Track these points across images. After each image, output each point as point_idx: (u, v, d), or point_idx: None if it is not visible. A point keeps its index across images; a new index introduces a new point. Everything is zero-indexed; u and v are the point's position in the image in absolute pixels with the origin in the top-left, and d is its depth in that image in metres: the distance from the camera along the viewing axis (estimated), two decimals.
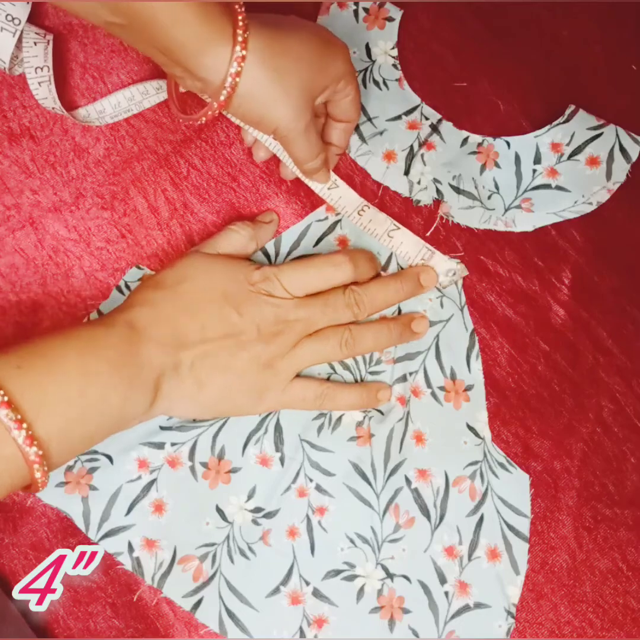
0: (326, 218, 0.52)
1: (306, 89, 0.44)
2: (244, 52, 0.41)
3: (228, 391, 0.46)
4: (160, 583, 0.46)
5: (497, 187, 0.53)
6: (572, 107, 0.54)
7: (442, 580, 0.48)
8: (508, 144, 0.54)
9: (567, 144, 0.54)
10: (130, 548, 0.46)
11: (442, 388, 0.50)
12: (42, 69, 0.49)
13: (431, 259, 0.51)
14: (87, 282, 0.50)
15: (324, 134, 0.51)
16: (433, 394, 0.50)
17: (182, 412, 0.46)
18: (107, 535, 0.46)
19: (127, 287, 0.50)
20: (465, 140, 0.54)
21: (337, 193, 0.51)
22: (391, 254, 0.52)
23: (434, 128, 0.54)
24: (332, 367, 0.50)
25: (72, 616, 0.47)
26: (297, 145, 0.46)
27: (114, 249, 0.51)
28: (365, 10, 0.55)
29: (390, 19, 0.55)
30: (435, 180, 0.53)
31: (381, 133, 0.53)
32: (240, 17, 0.41)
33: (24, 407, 0.36)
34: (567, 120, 0.54)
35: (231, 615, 0.46)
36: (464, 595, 0.48)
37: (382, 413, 0.49)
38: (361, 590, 0.47)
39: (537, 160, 0.54)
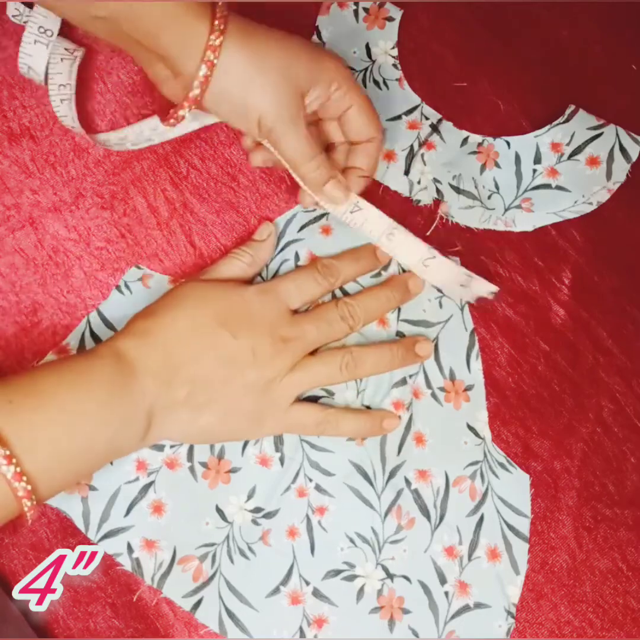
0: (314, 209, 0.52)
1: (291, 78, 0.43)
2: (223, 27, 0.41)
3: (225, 419, 0.45)
4: (160, 583, 0.46)
5: (497, 187, 0.53)
6: (572, 107, 0.54)
7: (442, 580, 0.48)
8: (508, 143, 0.54)
9: (567, 144, 0.54)
10: (130, 549, 0.46)
11: (442, 388, 0.50)
12: (65, 86, 0.48)
13: (470, 284, 0.50)
14: (87, 282, 0.50)
15: (348, 160, 0.49)
16: (433, 395, 0.50)
17: (178, 439, 0.46)
18: (106, 536, 0.46)
19: (127, 287, 0.50)
20: (465, 140, 0.54)
21: (361, 216, 0.49)
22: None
23: (434, 128, 0.54)
24: None
25: (72, 616, 0.47)
26: (285, 138, 0.44)
27: (113, 249, 0.51)
28: (365, 10, 0.55)
29: (390, 19, 0.55)
30: (436, 180, 0.53)
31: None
32: (219, 6, 0.41)
33: (14, 442, 0.37)
34: (567, 120, 0.54)
35: (231, 615, 0.46)
36: (464, 595, 0.48)
37: None
38: (361, 591, 0.47)
39: (537, 160, 0.54)
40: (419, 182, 0.53)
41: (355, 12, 0.55)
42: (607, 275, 0.53)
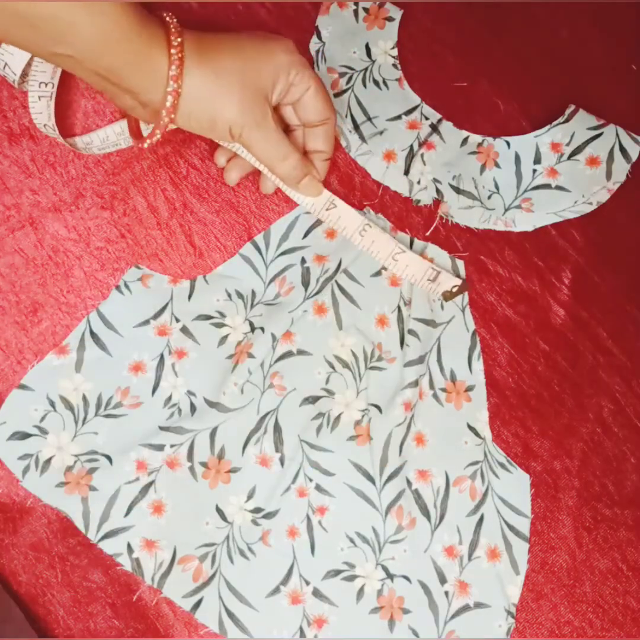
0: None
1: (250, 84, 0.44)
2: (180, 55, 0.42)
3: None
4: (160, 583, 0.46)
5: (497, 187, 0.53)
6: (572, 107, 0.54)
7: (442, 580, 0.48)
8: (508, 144, 0.54)
9: (567, 144, 0.54)
10: (130, 549, 0.46)
11: (443, 389, 0.50)
12: (46, 84, 0.48)
13: (437, 279, 0.50)
14: (87, 282, 0.50)
15: (306, 143, 0.50)
16: (434, 395, 0.50)
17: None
18: (106, 536, 0.46)
19: (127, 287, 0.50)
20: (465, 140, 0.54)
21: (336, 213, 0.50)
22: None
23: (434, 128, 0.54)
24: (332, 366, 0.50)
25: (72, 616, 0.47)
26: (256, 143, 0.46)
27: (113, 248, 0.51)
28: (365, 10, 0.55)
29: (390, 19, 0.55)
30: (435, 180, 0.53)
31: (381, 133, 0.53)
32: (172, 27, 0.42)
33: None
34: (567, 120, 0.54)
35: (231, 615, 0.46)
36: (464, 595, 0.48)
37: (380, 411, 0.49)
38: (361, 591, 0.47)
39: (537, 160, 0.54)
40: (418, 182, 0.53)
41: (355, 12, 0.55)
42: (607, 275, 0.53)
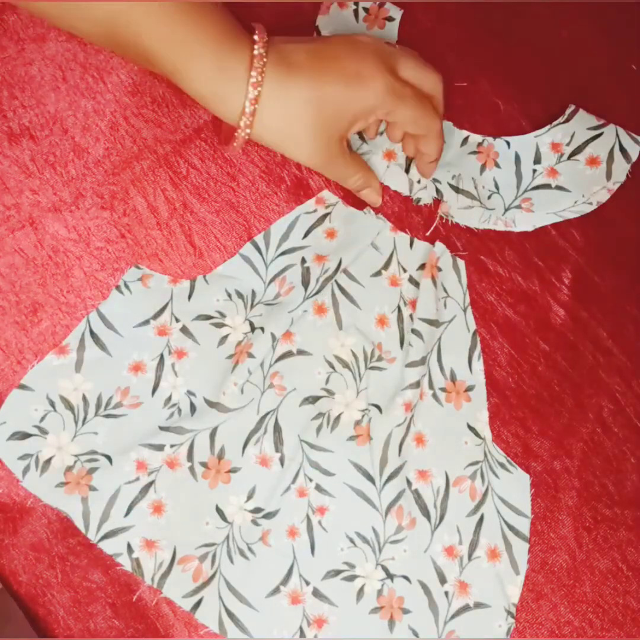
0: (315, 210, 0.52)
1: (324, 130, 0.45)
2: (253, 108, 0.43)
3: None
4: (160, 583, 0.46)
5: (497, 187, 0.53)
6: (572, 107, 0.54)
7: (442, 580, 0.48)
8: (508, 144, 0.54)
9: (567, 144, 0.54)
10: (130, 549, 0.46)
11: (443, 389, 0.50)
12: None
13: None
14: (87, 282, 0.50)
15: (417, 145, 0.50)
16: (434, 395, 0.50)
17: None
18: (106, 536, 0.46)
19: (127, 287, 0.50)
20: (465, 140, 0.54)
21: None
22: (392, 252, 0.52)
23: None
24: (332, 366, 0.50)
25: (72, 616, 0.47)
26: (325, 172, 0.49)
27: (113, 249, 0.51)
28: (365, 10, 0.55)
29: (391, 19, 0.55)
30: (435, 180, 0.53)
31: (381, 133, 0.53)
32: (255, 64, 0.43)
33: None
34: (567, 120, 0.54)
35: (231, 615, 0.46)
36: (464, 595, 0.48)
37: (380, 410, 0.49)
38: (361, 591, 0.47)
39: (537, 160, 0.54)
40: (419, 181, 0.53)
41: (355, 12, 0.55)
42: (607, 275, 0.53)
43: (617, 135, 0.53)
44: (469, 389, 0.51)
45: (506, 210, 0.53)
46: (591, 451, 0.51)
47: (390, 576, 0.48)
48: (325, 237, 0.52)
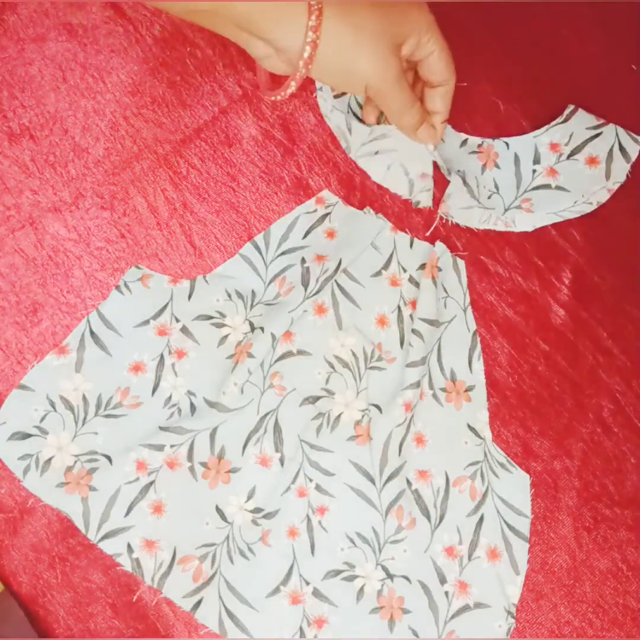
0: (315, 210, 0.52)
1: (388, 37, 0.45)
2: (320, 6, 0.43)
3: None
4: (160, 583, 0.46)
5: (497, 187, 0.53)
6: (572, 107, 0.54)
7: (442, 580, 0.48)
8: (507, 144, 0.54)
9: (566, 144, 0.54)
10: (130, 549, 0.46)
11: (443, 389, 0.50)
12: None
13: None
14: (87, 282, 0.50)
15: (425, 102, 0.50)
16: (434, 396, 0.50)
17: None
18: (106, 536, 0.46)
19: (127, 287, 0.50)
20: (464, 141, 0.54)
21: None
22: (392, 252, 0.52)
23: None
24: (332, 366, 0.50)
25: (72, 616, 0.47)
26: (388, 95, 0.47)
27: (113, 249, 0.51)
28: None
29: None
30: (444, 163, 0.52)
31: (382, 136, 0.53)
32: None
33: None
34: (565, 120, 0.54)
35: (231, 615, 0.46)
36: (464, 595, 0.48)
37: (380, 410, 0.49)
38: (361, 591, 0.47)
39: (537, 160, 0.54)
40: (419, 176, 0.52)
41: None
42: (607, 275, 0.53)
43: (617, 134, 0.53)
44: (469, 389, 0.51)
45: (506, 210, 0.53)
46: (591, 451, 0.51)
47: (390, 576, 0.48)
48: (325, 237, 0.52)
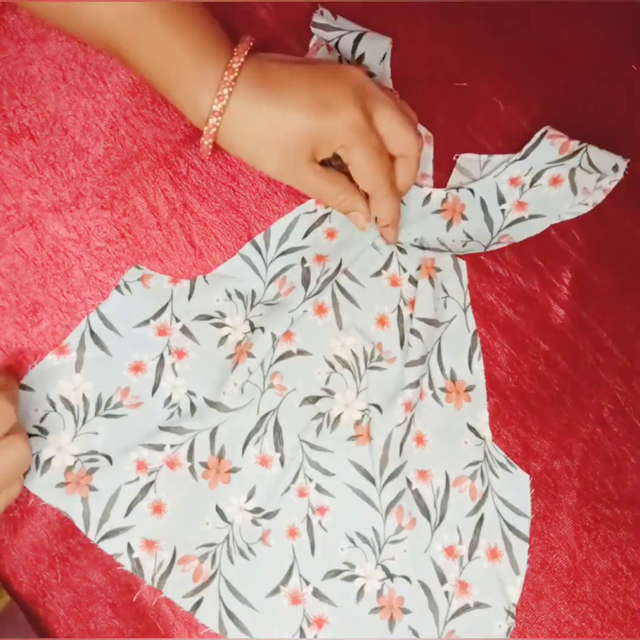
0: (315, 210, 0.52)
1: (288, 153, 0.44)
2: (217, 119, 0.43)
3: None
4: (160, 583, 0.46)
5: (469, 237, 0.53)
6: (544, 129, 0.53)
7: (442, 580, 0.48)
8: (472, 191, 0.53)
9: (526, 175, 0.53)
10: (130, 549, 0.46)
11: (443, 389, 0.50)
12: None
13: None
14: (87, 282, 0.50)
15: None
16: (434, 396, 0.50)
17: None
18: (106, 536, 0.46)
19: (127, 287, 0.50)
20: (427, 198, 0.53)
21: None
22: (392, 253, 0.52)
23: None
24: (332, 366, 0.50)
25: (72, 616, 0.47)
26: (302, 188, 0.47)
27: (113, 249, 0.51)
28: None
29: (371, 75, 0.53)
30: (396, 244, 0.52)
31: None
32: (227, 74, 0.43)
33: None
34: (523, 157, 0.53)
35: (231, 615, 0.46)
36: (464, 595, 0.48)
37: (380, 410, 0.49)
38: (361, 591, 0.47)
39: (501, 200, 0.53)
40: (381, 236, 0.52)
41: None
42: (607, 275, 0.53)
43: (581, 158, 0.52)
44: (469, 389, 0.51)
45: (486, 248, 0.52)
46: (591, 451, 0.51)
47: (390, 576, 0.48)
48: (325, 237, 0.52)
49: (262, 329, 0.49)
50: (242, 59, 0.44)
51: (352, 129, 0.44)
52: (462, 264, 0.52)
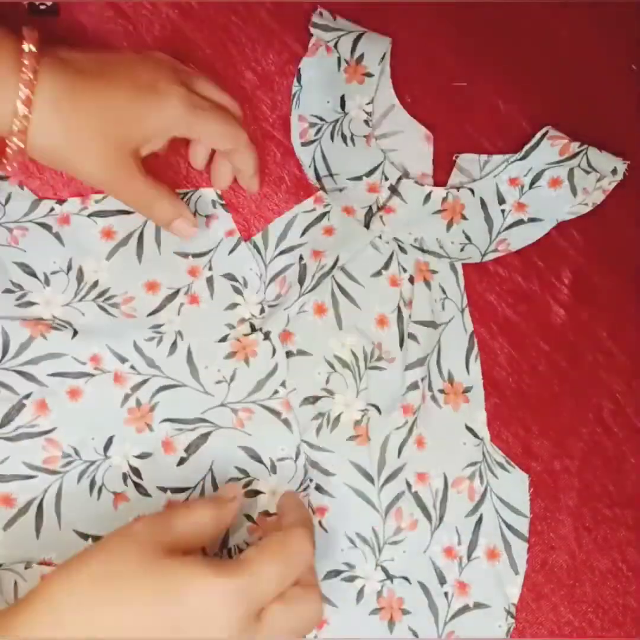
0: (313, 209, 0.52)
1: (113, 145, 0.41)
2: (27, 109, 0.38)
3: None
4: None
5: (468, 238, 0.53)
6: (545, 129, 0.54)
7: (442, 580, 0.48)
8: (472, 191, 0.53)
9: (525, 176, 0.53)
10: None
11: (441, 391, 0.50)
12: None
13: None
14: None
15: (231, 161, 0.48)
16: (433, 397, 0.50)
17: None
18: None
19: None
20: (427, 196, 0.53)
21: None
22: (392, 253, 0.52)
23: (393, 190, 0.52)
24: (332, 366, 0.50)
25: None
26: (121, 196, 0.44)
27: None
28: (346, 61, 0.54)
29: (369, 75, 0.54)
30: (396, 239, 0.52)
31: (341, 190, 0.52)
32: (25, 65, 0.38)
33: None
34: (523, 157, 0.53)
35: None
36: (463, 596, 0.48)
37: (379, 411, 0.49)
38: (361, 591, 0.47)
39: (501, 200, 0.53)
40: (380, 237, 0.52)
41: (338, 60, 0.54)
42: (607, 275, 0.53)
43: (581, 160, 0.52)
44: (467, 390, 0.51)
45: (483, 255, 0.52)
46: (591, 451, 0.51)
47: (389, 577, 0.48)
48: (322, 234, 0.51)
49: (262, 329, 0.49)
50: (37, 44, 0.39)
51: (188, 106, 0.43)
52: (458, 265, 0.52)
